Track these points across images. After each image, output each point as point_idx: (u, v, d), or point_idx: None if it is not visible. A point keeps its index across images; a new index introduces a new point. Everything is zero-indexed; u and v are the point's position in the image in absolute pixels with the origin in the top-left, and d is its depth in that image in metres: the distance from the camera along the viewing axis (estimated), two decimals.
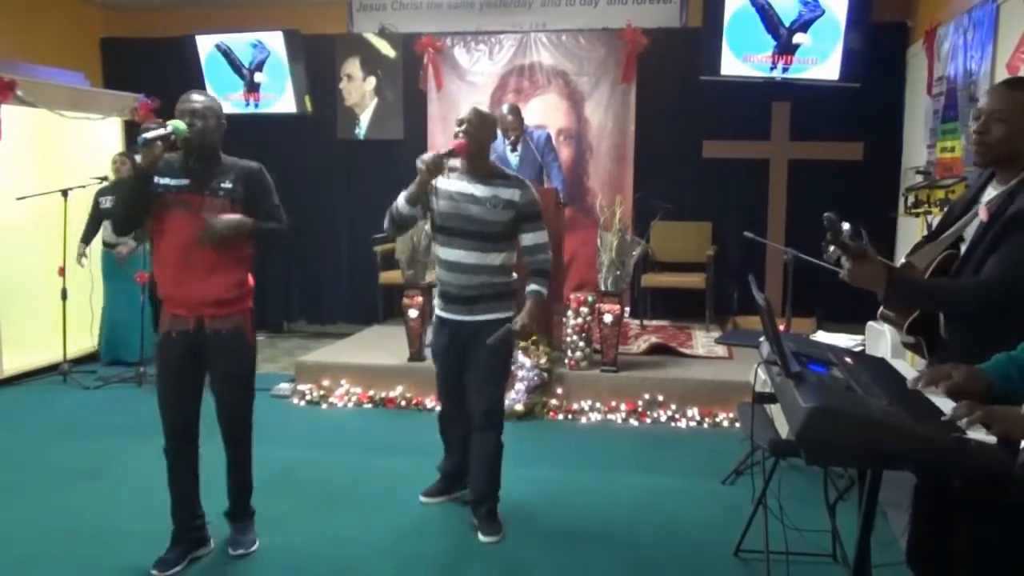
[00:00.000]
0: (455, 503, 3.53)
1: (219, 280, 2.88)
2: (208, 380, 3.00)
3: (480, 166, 3.21)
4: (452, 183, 3.21)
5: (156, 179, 2.84)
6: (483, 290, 3.19)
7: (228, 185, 2.88)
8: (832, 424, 1.60)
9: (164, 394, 2.95)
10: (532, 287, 3.23)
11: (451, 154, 3.15)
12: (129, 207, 2.91)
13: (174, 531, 3.02)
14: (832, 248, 2.13)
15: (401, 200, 3.18)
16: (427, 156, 3.12)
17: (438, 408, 3.56)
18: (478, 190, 3.16)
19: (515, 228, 3.20)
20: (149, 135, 2.70)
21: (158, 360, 3.00)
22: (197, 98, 2.88)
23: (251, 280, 3.03)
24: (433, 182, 3.21)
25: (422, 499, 3.56)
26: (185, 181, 2.87)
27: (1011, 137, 2.09)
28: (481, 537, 3.22)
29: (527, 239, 3.24)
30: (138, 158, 2.74)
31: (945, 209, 2.47)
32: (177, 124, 2.77)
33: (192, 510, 3.06)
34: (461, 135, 3.15)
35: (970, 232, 2.22)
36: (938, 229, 2.38)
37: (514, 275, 3.32)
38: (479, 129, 3.16)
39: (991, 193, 2.26)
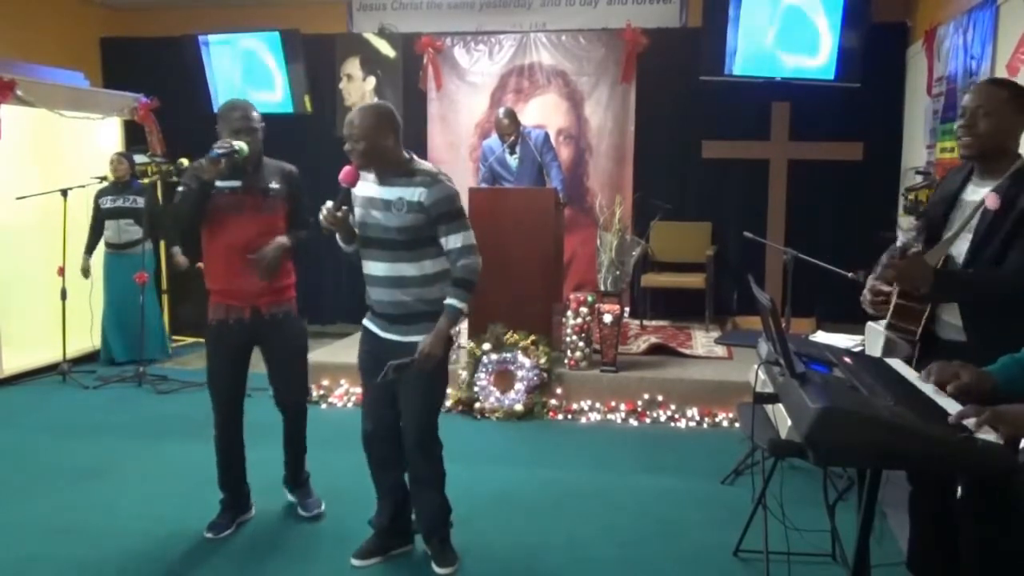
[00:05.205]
0: (394, 560, 3.07)
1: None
2: (267, 359, 3.29)
3: (385, 167, 2.79)
4: (364, 187, 2.85)
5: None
6: (408, 307, 2.82)
7: (276, 186, 3.17)
8: (842, 425, 1.60)
9: (218, 375, 3.23)
10: (448, 300, 2.79)
11: (346, 194, 2.82)
12: (192, 216, 3.09)
13: (223, 499, 3.31)
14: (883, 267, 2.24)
15: (340, 243, 2.97)
16: (326, 210, 2.81)
17: (365, 429, 3.01)
18: (385, 193, 2.79)
19: (432, 232, 2.78)
20: (221, 151, 2.95)
21: (213, 344, 3.23)
22: (255, 115, 3.12)
23: (293, 272, 3.34)
24: (353, 190, 2.86)
25: (355, 562, 3.00)
26: (237, 183, 3.10)
27: (996, 130, 2.25)
28: (436, 568, 2.94)
29: (445, 243, 2.79)
30: (204, 163, 2.96)
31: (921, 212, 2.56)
32: (242, 146, 3.02)
33: (241, 479, 3.34)
34: (352, 155, 2.78)
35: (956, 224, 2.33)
36: (929, 230, 2.43)
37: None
38: (364, 138, 2.73)
39: (978, 188, 2.33)
